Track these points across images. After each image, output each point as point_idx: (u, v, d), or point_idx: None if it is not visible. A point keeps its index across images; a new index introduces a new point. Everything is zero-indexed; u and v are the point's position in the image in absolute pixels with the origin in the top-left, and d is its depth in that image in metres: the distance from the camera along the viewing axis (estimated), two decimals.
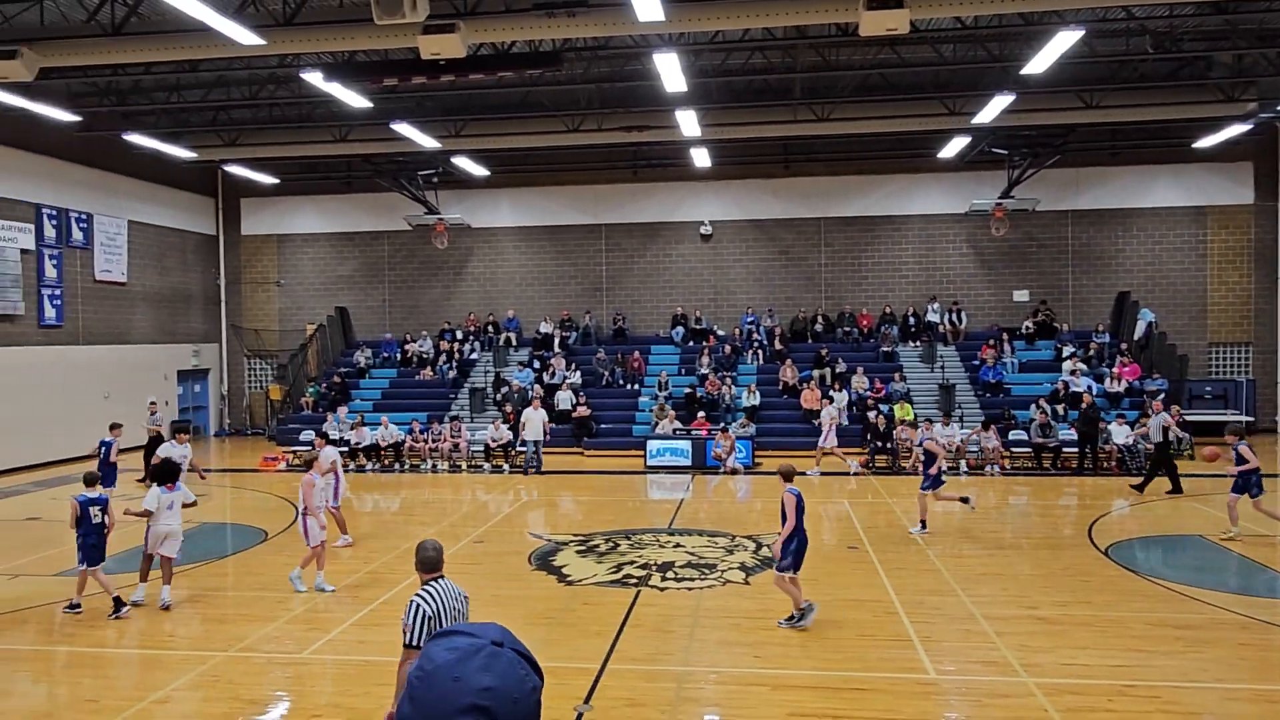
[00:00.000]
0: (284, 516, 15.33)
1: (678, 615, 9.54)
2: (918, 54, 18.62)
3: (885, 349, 24.68)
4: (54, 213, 22.16)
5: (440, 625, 5.31)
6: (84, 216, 23.16)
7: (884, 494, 16.91)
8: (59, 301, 22.25)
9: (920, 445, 13.80)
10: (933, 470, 13.02)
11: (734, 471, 19.57)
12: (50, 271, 21.99)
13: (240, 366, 29.13)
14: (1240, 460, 12.34)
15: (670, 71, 15.62)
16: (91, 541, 9.54)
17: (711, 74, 19.20)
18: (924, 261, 26.16)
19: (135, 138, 21.40)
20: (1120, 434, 19.20)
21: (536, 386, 23.61)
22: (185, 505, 10.55)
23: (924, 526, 13.12)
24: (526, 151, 24.54)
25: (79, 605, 9.69)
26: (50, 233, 22.03)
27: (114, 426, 14.86)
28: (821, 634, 8.81)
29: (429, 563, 5.50)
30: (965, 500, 13.59)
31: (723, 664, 8.15)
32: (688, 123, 19.62)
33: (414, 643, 5.18)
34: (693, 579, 10.89)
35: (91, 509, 9.58)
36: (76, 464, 19.04)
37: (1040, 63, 15.90)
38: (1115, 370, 22.53)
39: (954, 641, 8.67)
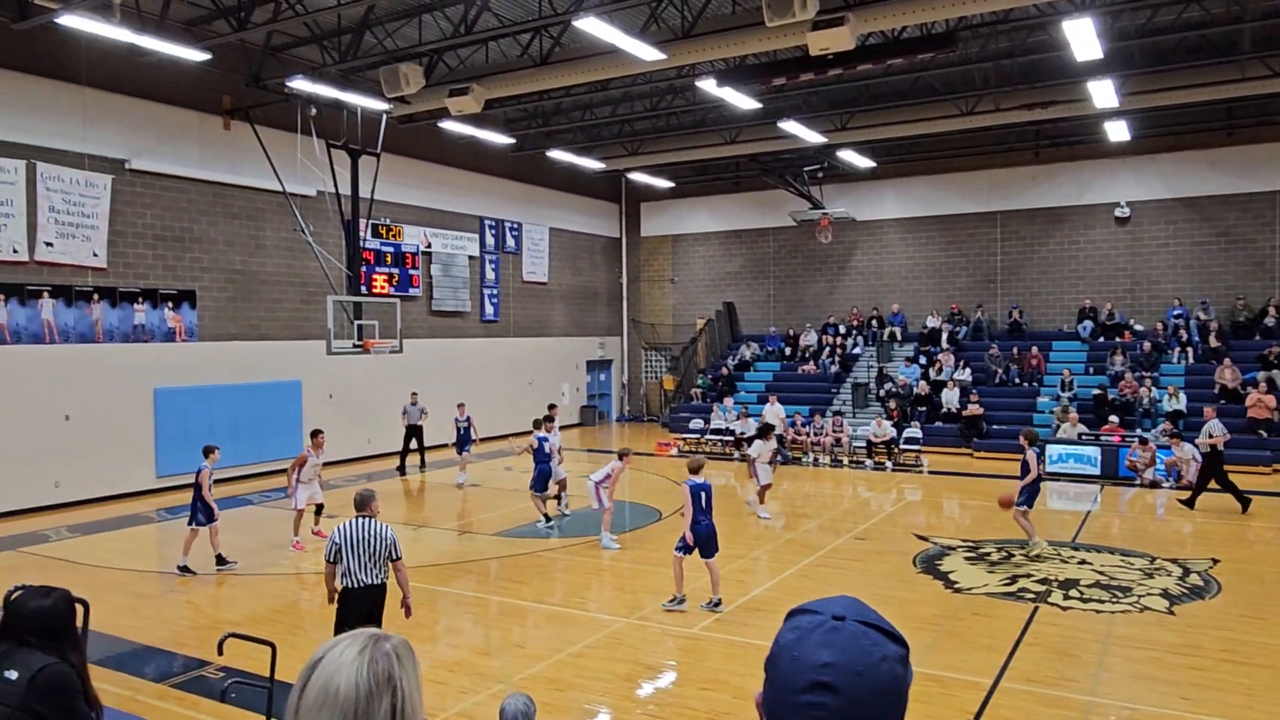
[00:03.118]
0: (677, 499, 16.37)
1: (1083, 639, 8.63)
2: None
3: None
4: (493, 223, 25.78)
5: (344, 552, 6.93)
6: (515, 225, 26.65)
7: None
8: (496, 300, 25.86)
9: None
10: None
11: (1154, 485, 17.24)
12: (489, 274, 25.63)
13: (638, 358, 31.65)
14: (1025, 469, 11.83)
15: (1082, 38, 14.09)
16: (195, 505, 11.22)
17: (1132, 36, 17.01)
18: None
19: (556, 153, 24.17)
20: None
21: (923, 380, 22.75)
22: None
23: None
24: (915, 139, 23.68)
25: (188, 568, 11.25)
26: (490, 241, 25.66)
27: (460, 405, 18.61)
28: (1273, 681, 7.44)
29: (355, 503, 7.21)
30: None
31: (1140, 700, 7.21)
32: (1102, 93, 17.58)
33: (328, 558, 6.99)
34: (1102, 600, 9.78)
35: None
36: (505, 440, 21.98)
37: None
38: None
39: None
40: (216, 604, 10.13)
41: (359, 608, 6.94)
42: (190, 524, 11.30)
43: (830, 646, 1.19)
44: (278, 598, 10.30)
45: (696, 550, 9.59)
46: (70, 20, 12.97)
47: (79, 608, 3.64)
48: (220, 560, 11.42)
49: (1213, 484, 14.73)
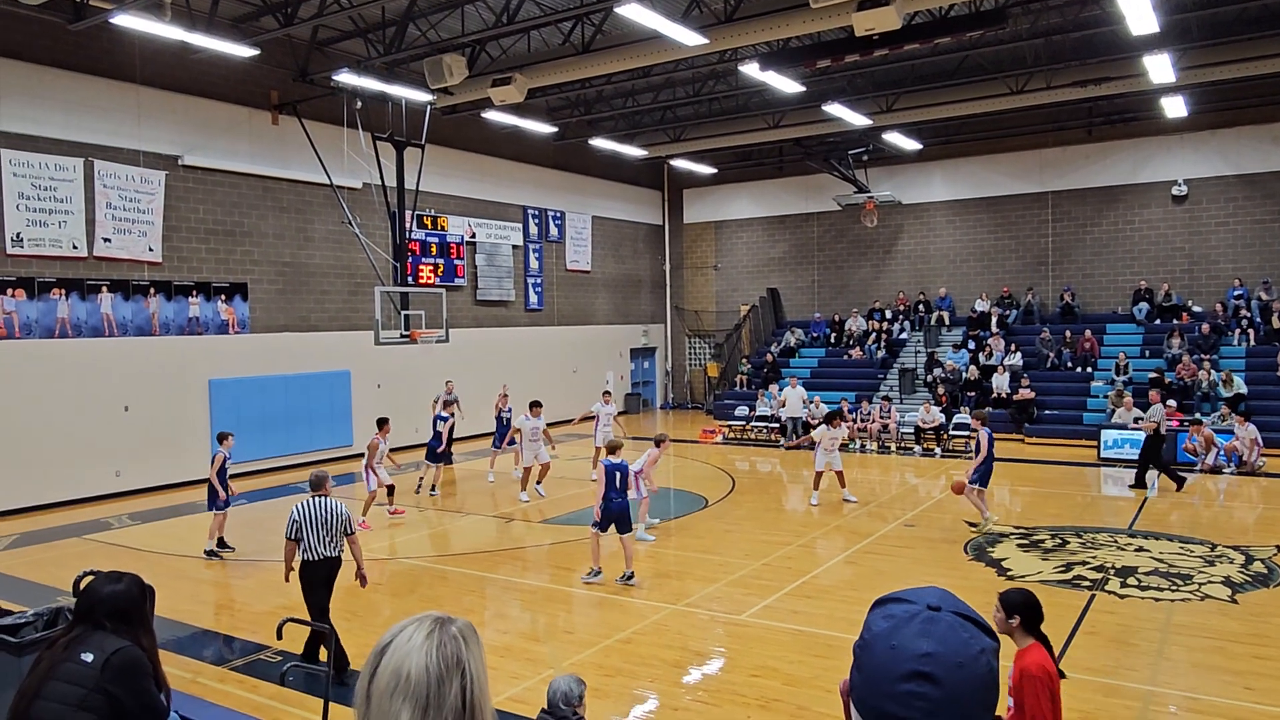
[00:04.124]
0: (722, 485, 16.37)
1: (1141, 627, 8.46)
2: None
3: None
4: (536, 213, 25.87)
5: (305, 529, 7.54)
6: (558, 215, 26.72)
7: None
8: (539, 289, 25.98)
9: None
10: None
11: (1215, 470, 16.80)
12: (533, 263, 25.75)
13: (682, 345, 31.59)
14: (978, 449, 12.14)
15: (1137, 11, 13.70)
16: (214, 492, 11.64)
17: (1190, 8, 16.49)
18: None
19: (598, 141, 24.15)
20: None
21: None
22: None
23: None
24: (963, 120, 23.26)
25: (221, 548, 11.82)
26: (533, 230, 25.77)
27: (503, 395, 18.46)
28: None
29: (311, 484, 7.90)
30: None
31: (1202, 690, 7.05)
32: (1159, 68, 17.07)
33: (289, 536, 7.60)
34: (1161, 588, 9.57)
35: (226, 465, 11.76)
36: (554, 428, 22.07)
37: None
38: None
39: None
40: (274, 590, 10.34)
41: (318, 577, 7.63)
42: (210, 508, 11.77)
43: (929, 637, 1.18)
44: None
45: (613, 526, 10.14)
46: (123, 20, 13.25)
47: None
48: (221, 544, 11.81)
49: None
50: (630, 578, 10.06)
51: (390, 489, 13.75)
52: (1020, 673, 4.25)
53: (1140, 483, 15.28)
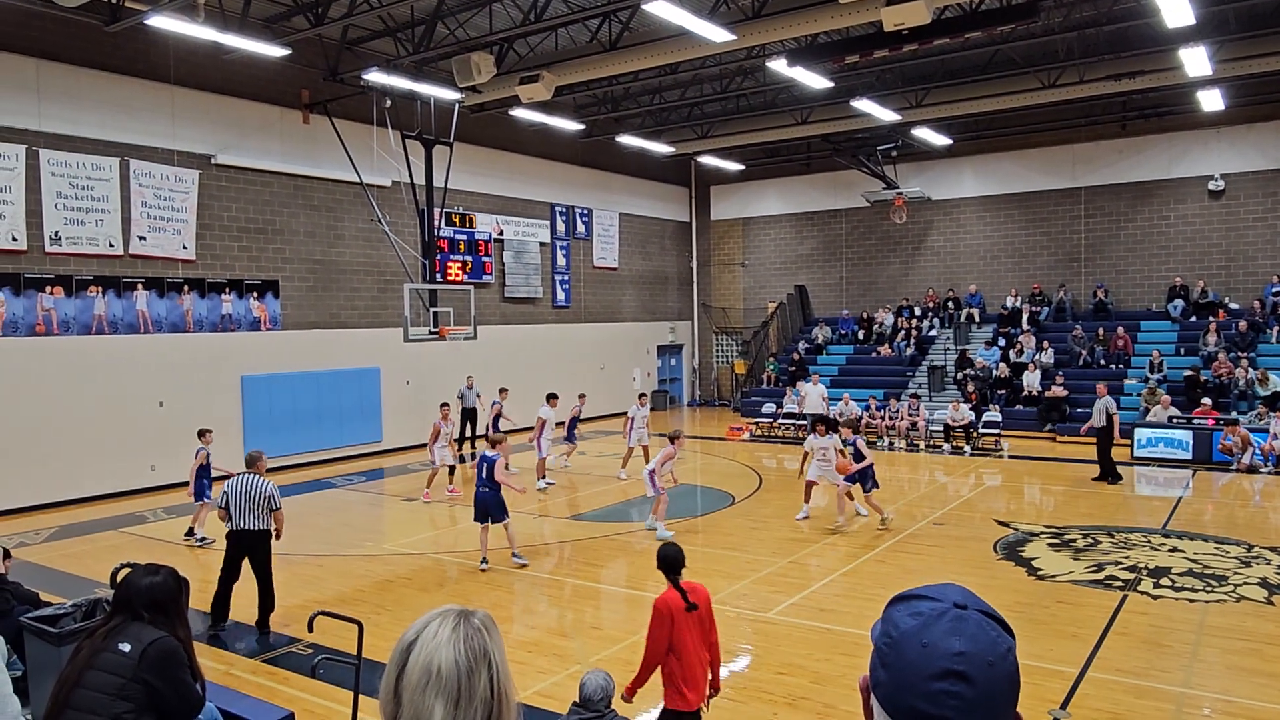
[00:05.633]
0: (749, 483, 16.34)
1: (1175, 629, 8.34)
2: None
3: None
4: (564, 210, 25.94)
5: (231, 502, 8.20)
6: (585, 212, 26.77)
7: None
8: (567, 286, 26.05)
9: None
10: None
11: (1251, 469, 16.52)
12: (561, 261, 25.82)
13: (709, 342, 31.54)
14: (859, 456, 12.42)
15: (1173, 3, 13.47)
16: (203, 483, 12.13)
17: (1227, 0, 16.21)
18: None
19: (625, 139, 24.16)
20: None
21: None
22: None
23: None
24: (994, 115, 22.99)
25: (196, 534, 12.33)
26: (561, 227, 25.83)
27: (581, 396, 18.96)
28: None
29: (245, 461, 8.59)
30: None
31: (1238, 693, 6.94)
32: (1194, 61, 16.78)
33: (220, 505, 8.32)
34: (1195, 589, 9.43)
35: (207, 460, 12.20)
36: (582, 424, 22.08)
37: None
38: None
39: None
40: (305, 584, 10.47)
41: (241, 546, 8.35)
42: (196, 499, 12.28)
43: (960, 635, 1.18)
44: (363, 577, 10.61)
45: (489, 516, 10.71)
46: (158, 21, 13.46)
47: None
48: (190, 532, 12.41)
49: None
50: (515, 555, 10.83)
51: (451, 469, 15.30)
52: (652, 607, 5.29)
53: (1103, 477, 15.67)
